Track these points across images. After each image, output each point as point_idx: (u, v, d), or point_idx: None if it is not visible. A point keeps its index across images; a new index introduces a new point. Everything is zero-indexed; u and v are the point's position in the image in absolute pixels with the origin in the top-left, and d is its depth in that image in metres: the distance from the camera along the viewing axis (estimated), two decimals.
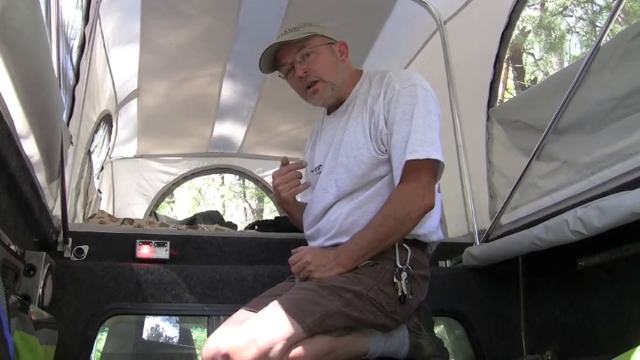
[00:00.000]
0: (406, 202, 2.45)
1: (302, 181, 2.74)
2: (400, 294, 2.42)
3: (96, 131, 4.80)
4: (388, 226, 2.45)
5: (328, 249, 2.57)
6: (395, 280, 2.44)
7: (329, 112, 2.94)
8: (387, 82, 2.65)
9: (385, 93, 2.62)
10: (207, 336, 2.93)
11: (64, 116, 3.25)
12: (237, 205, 26.23)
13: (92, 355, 3.07)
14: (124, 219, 3.97)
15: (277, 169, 2.77)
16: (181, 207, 25.09)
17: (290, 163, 2.76)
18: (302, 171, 2.74)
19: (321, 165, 2.82)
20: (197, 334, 4.62)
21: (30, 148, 2.19)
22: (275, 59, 2.80)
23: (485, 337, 3.44)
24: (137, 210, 7.40)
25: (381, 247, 2.47)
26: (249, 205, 25.67)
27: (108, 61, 4.63)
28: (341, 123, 2.77)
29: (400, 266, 2.47)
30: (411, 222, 2.48)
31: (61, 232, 3.10)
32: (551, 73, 17.09)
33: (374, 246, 2.46)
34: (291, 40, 2.69)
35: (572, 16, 17.32)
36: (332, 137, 2.79)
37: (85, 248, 3.20)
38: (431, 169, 2.51)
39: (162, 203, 9.03)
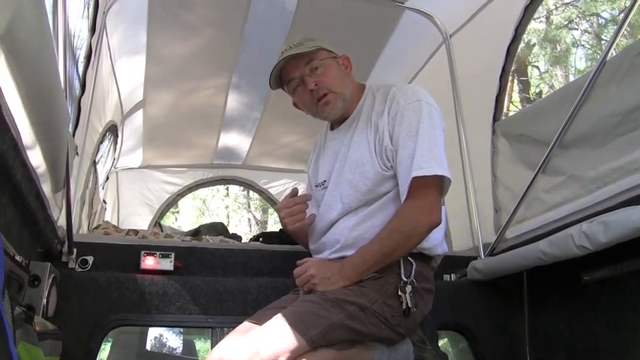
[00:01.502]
0: (413, 218, 2.45)
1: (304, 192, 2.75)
2: (404, 307, 2.41)
3: (101, 142, 4.82)
4: (394, 240, 2.44)
5: (333, 262, 2.57)
6: (399, 293, 2.43)
7: (332, 127, 2.94)
8: (390, 98, 2.64)
9: (389, 109, 2.62)
10: (211, 348, 2.93)
11: (70, 127, 3.26)
12: (242, 217, 26.23)
13: None
14: (129, 230, 3.97)
15: (283, 199, 2.81)
16: (186, 217, 25.10)
17: (298, 194, 2.77)
18: (305, 188, 2.74)
19: (325, 180, 2.82)
20: (200, 345, 4.62)
21: (36, 158, 2.20)
22: (280, 75, 2.80)
23: (489, 351, 3.43)
24: (141, 220, 7.41)
25: (385, 262, 2.46)
26: (254, 217, 25.68)
27: (114, 71, 4.65)
28: (345, 139, 2.77)
29: (405, 279, 2.45)
30: (417, 238, 2.47)
31: (66, 243, 3.10)
32: (556, 86, 17.10)
33: (379, 260, 2.45)
34: (301, 53, 2.68)
35: (577, 30, 17.35)
36: (336, 153, 2.79)
37: (90, 259, 3.19)
38: (437, 185, 2.50)
39: (167, 214, 9.04)
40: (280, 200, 2.87)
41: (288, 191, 2.87)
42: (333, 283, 2.44)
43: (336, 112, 2.77)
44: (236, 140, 6.86)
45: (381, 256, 2.45)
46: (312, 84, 2.69)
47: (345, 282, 2.44)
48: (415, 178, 2.43)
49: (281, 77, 2.81)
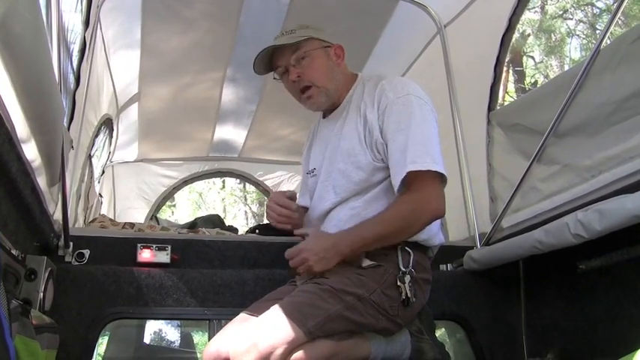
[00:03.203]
0: (417, 207, 2.44)
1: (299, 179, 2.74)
2: (404, 297, 2.42)
3: (97, 135, 4.80)
4: (396, 226, 2.44)
5: (326, 235, 2.57)
6: (398, 283, 2.44)
7: (325, 115, 2.95)
8: (379, 91, 2.63)
9: (379, 102, 2.61)
10: (208, 340, 2.93)
11: (65, 120, 3.25)
12: (239, 210, 26.22)
13: None
14: (125, 223, 3.96)
15: (273, 193, 2.85)
16: (182, 211, 25.07)
17: (286, 196, 2.78)
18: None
19: (315, 168, 2.84)
20: (198, 338, 4.62)
21: (31, 152, 2.19)
22: (271, 61, 2.81)
23: (486, 340, 3.44)
24: (138, 214, 7.40)
25: (382, 244, 2.48)
26: (250, 209, 25.66)
27: (109, 65, 4.64)
28: (335, 128, 2.78)
29: (403, 269, 2.47)
30: (420, 226, 2.48)
31: (62, 237, 3.09)
32: (551, 76, 17.09)
33: (376, 241, 2.46)
34: (284, 44, 2.69)
35: (572, 19, 17.34)
36: (327, 142, 2.80)
37: (86, 252, 3.18)
38: (435, 177, 2.48)
39: (163, 207, 9.03)
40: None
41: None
42: (329, 260, 2.45)
43: (320, 106, 2.80)
44: (232, 133, 6.85)
45: (380, 238, 2.45)
46: (294, 75, 2.71)
47: (340, 257, 2.45)
48: (411, 172, 2.42)
49: (271, 63, 2.82)
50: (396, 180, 2.47)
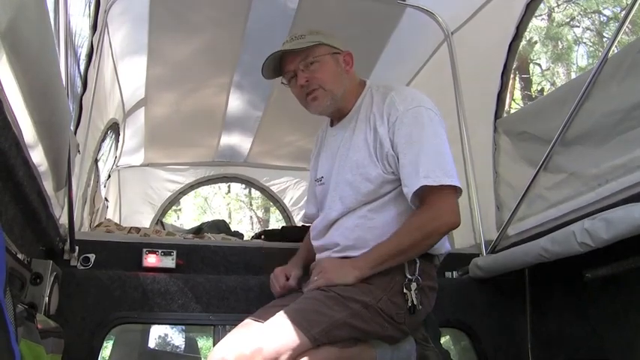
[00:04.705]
0: (434, 217, 2.43)
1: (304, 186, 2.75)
2: (410, 305, 2.41)
3: (103, 140, 4.81)
4: (414, 237, 2.43)
5: (341, 259, 2.57)
6: (405, 290, 2.43)
7: (332, 123, 2.94)
8: (389, 103, 2.62)
9: (389, 114, 2.60)
10: (213, 345, 2.93)
11: (72, 125, 3.26)
12: (244, 215, 26.22)
13: None
14: (131, 227, 3.96)
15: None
16: (187, 215, 25.11)
17: (286, 275, 2.90)
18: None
19: (322, 177, 2.83)
20: (203, 343, 4.62)
21: (37, 157, 2.20)
22: (280, 65, 2.80)
23: (491, 348, 3.43)
24: (143, 218, 7.39)
25: (400, 259, 2.46)
26: (256, 214, 25.65)
27: (116, 70, 4.64)
28: (344, 138, 2.76)
29: (409, 277, 2.46)
30: (437, 237, 2.48)
31: (68, 241, 3.10)
32: (558, 84, 17.07)
33: (394, 255, 2.45)
34: (295, 49, 2.69)
35: (579, 27, 17.33)
36: (335, 151, 2.79)
37: (92, 257, 3.19)
38: (450, 189, 2.46)
39: (169, 212, 9.03)
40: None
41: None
42: (346, 273, 2.44)
43: (324, 109, 2.78)
44: (238, 139, 6.86)
45: (398, 252, 2.45)
46: (302, 80, 2.69)
47: (357, 272, 2.44)
48: (426, 187, 2.42)
49: (280, 68, 2.81)
50: (409, 193, 2.46)
